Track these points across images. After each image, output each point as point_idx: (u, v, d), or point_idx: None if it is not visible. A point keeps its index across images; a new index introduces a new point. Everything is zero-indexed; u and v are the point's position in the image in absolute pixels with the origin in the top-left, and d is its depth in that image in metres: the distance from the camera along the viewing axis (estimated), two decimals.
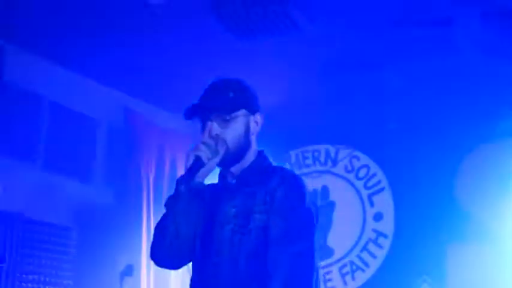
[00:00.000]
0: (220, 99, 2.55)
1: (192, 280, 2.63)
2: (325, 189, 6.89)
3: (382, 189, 6.68)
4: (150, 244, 2.64)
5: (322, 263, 6.64)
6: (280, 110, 6.19)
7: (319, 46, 5.20)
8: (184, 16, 4.86)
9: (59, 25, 4.97)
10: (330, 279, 6.61)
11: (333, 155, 6.94)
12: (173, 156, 6.55)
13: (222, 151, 2.52)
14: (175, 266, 2.69)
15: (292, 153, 7.00)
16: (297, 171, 6.92)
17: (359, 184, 6.80)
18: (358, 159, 6.84)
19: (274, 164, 2.68)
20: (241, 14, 4.69)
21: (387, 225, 6.56)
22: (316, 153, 6.99)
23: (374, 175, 6.75)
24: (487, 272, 5.76)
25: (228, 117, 2.54)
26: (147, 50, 5.38)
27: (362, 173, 6.81)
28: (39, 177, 5.48)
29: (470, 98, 5.79)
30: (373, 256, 6.56)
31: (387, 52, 5.22)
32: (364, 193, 6.76)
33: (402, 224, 6.42)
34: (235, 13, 4.68)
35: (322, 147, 6.98)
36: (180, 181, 2.52)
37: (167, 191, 6.39)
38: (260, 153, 2.67)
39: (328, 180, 6.90)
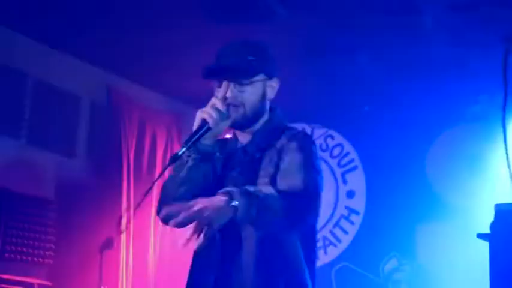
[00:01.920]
0: (241, 63, 2.44)
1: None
2: None
3: (355, 167, 6.84)
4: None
5: None
6: None
7: (296, 31, 5.27)
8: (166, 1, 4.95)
9: (42, 3, 5.00)
10: None
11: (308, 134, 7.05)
12: (153, 132, 6.59)
13: (234, 115, 2.44)
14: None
15: None
16: None
17: (333, 162, 6.94)
18: (333, 138, 6.97)
19: (285, 123, 2.58)
20: (221, 0, 4.79)
21: (359, 203, 6.73)
22: None
23: (347, 154, 6.90)
24: (453, 250, 5.95)
25: (246, 81, 2.45)
26: (130, 30, 5.43)
27: (336, 151, 6.95)
28: (22, 152, 5.53)
29: (441, 83, 5.92)
30: (345, 232, 6.72)
31: (361, 39, 5.30)
32: (338, 171, 6.90)
33: (373, 201, 6.61)
34: None
35: (298, 126, 7.04)
36: (183, 143, 2.39)
37: (147, 166, 6.48)
38: (271, 113, 2.57)
39: None
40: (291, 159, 2.40)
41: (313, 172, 2.40)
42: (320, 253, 6.75)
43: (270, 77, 2.52)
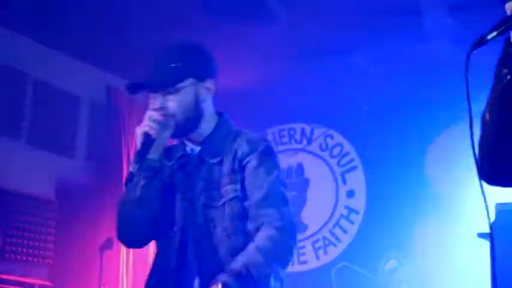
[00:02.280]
0: (162, 72, 2.41)
1: (160, 256, 2.51)
2: (300, 167, 7.02)
3: (355, 167, 6.85)
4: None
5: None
6: (258, 90, 6.33)
7: (296, 31, 5.29)
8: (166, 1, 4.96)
9: (43, 5, 5.01)
10: (303, 254, 6.78)
11: (308, 133, 7.07)
12: None
13: (172, 123, 2.41)
14: (142, 244, 2.60)
15: (269, 131, 7.12)
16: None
17: (333, 162, 6.95)
18: (332, 138, 6.99)
19: (235, 128, 2.56)
20: (221, 1, 4.80)
21: (359, 202, 6.74)
22: (292, 132, 7.11)
23: (347, 154, 6.91)
24: (454, 249, 5.96)
25: (171, 89, 2.41)
26: (130, 30, 5.44)
27: (336, 151, 6.96)
28: (23, 152, 5.54)
29: (440, 82, 5.91)
30: (345, 231, 6.73)
31: (360, 39, 5.32)
32: (338, 171, 6.92)
33: (373, 201, 6.62)
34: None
35: (298, 126, 7.10)
36: (133, 161, 2.42)
37: None
38: (220, 118, 2.54)
39: (303, 158, 7.03)
40: (258, 188, 2.38)
41: (283, 200, 2.41)
42: (320, 253, 6.76)
43: (201, 79, 2.47)
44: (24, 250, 5.42)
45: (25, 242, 5.43)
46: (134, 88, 2.48)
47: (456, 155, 6.08)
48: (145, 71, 2.46)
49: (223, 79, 6.76)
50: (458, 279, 5.78)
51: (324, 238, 6.78)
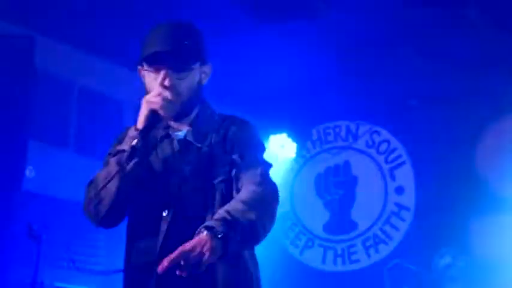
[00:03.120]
0: (181, 48, 2.27)
1: (142, 237, 2.39)
2: (347, 165, 6.97)
3: (403, 163, 6.76)
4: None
5: (346, 237, 6.75)
6: (302, 89, 6.29)
7: (339, 28, 5.26)
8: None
9: (85, 13, 5.09)
10: (354, 252, 6.72)
11: (353, 130, 7.01)
12: None
13: (178, 104, 2.28)
14: (113, 225, 2.46)
15: (314, 130, 7.10)
16: (319, 148, 7.05)
17: (380, 159, 6.88)
18: (379, 134, 6.92)
19: (217, 110, 2.46)
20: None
21: (409, 199, 6.65)
22: (337, 129, 7.06)
23: (395, 149, 6.83)
24: (508, 243, 5.84)
25: (186, 67, 2.29)
26: None
27: (383, 147, 6.89)
28: (70, 160, 5.61)
29: (488, 72, 5.82)
30: (396, 229, 6.65)
31: (406, 31, 5.27)
32: (386, 167, 6.84)
33: (423, 196, 6.52)
34: None
35: (343, 123, 7.05)
36: (136, 136, 2.26)
37: None
38: (203, 102, 2.43)
39: (349, 156, 6.98)
40: (247, 161, 2.29)
41: (267, 169, 2.33)
42: (371, 251, 6.69)
43: (204, 62, 2.36)
44: (76, 257, 5.47)
45: (78, 249, 5.52)
46: (152, 59, 2.28)
47: (507, 146, 5.98)
48: (153, 43, 2.28)
49: (268, 78, 6.75)
50: None
51: (375, 236, 6.71)
